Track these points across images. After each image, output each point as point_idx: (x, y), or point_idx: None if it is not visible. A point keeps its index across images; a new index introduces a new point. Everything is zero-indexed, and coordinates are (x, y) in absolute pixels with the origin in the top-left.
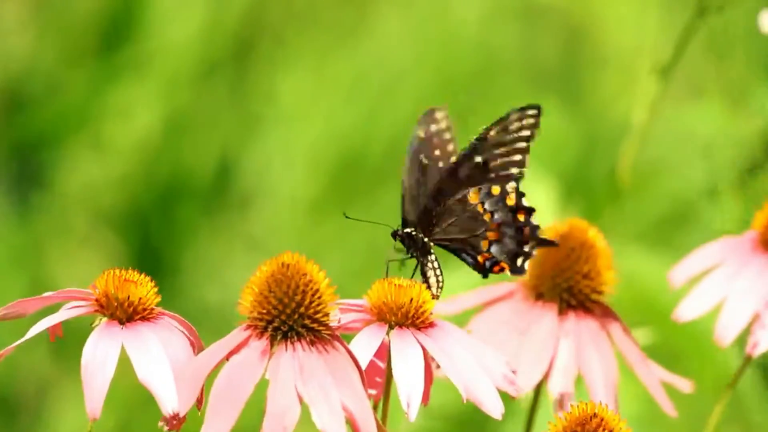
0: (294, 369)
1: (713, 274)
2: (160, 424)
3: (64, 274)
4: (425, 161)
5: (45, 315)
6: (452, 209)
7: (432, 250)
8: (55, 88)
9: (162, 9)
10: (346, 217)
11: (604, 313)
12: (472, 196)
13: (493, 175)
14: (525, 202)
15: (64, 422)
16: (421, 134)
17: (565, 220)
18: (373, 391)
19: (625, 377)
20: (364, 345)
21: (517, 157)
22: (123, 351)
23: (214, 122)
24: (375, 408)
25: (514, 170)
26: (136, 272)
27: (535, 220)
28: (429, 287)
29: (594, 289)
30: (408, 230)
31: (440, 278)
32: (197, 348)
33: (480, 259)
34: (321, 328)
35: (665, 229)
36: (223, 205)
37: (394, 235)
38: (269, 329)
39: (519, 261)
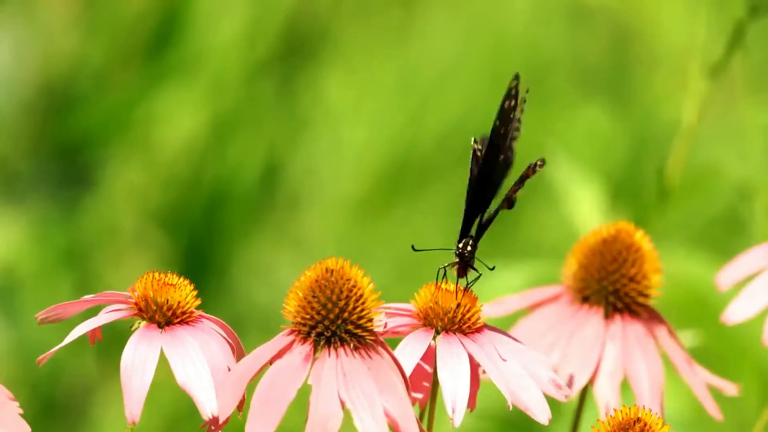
0: (337, 375)
1: (762, 276)
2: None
3: (111, 275)
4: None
5: (87, 317)
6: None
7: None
8: (102, 90)
9: (208, 10)
10: (414, 249)
11: (651, 316)
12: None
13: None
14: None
15: (109, 424)
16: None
17: (612, 223)
18: (420, 396)
19: (670, 380)
20: (410, 350)
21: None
22: (163, 355)
23: (261, 123)
24: (422, 412)
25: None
26: (176, 275)
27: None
28: (468, 282)
29: (640, 292)
30: (469, 248)
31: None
32: (237, 352)
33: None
34: (365, 333)
35: (716, 232)
36: (270, 206)
37: (460, 255)
38: (312, 335)
39: (512, 192)
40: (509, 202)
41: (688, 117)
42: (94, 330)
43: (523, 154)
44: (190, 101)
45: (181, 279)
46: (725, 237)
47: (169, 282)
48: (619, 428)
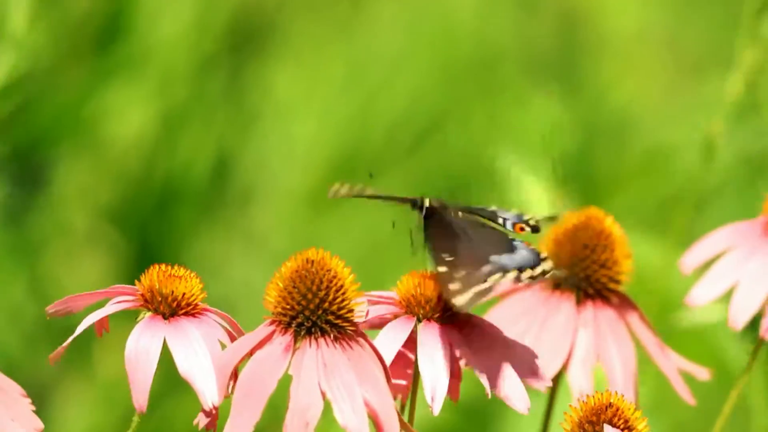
0: (317, 365)
1: (724, 258)
2: (195, 422)
3: (65, 274)
4: None
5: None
6: None
7: None
8: (51, 89)
9: (155, 4)
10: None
11: (622, 302)
12: None
13: None
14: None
15: (67, 424)
16: None
17: (581, 210)
18: (403, 382)
19: (642, 365)
20: (391, 339)
21: None
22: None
23: (211, 118)
24: (404, 401)
25: None
26: (182, 268)
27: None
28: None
29: (611, 278)
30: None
31: None
32: None
33: None
34: (345, 324)
35: (668, 214)
36: (221, 200)
37: (413, 204)
38: (293, 325)
39: None
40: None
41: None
42: (101, 321)
43: (473, 142)
44: (139, 97)
45: (188, 271)
46: (678, 219)
47: (176, 274)
48: (591, 414)
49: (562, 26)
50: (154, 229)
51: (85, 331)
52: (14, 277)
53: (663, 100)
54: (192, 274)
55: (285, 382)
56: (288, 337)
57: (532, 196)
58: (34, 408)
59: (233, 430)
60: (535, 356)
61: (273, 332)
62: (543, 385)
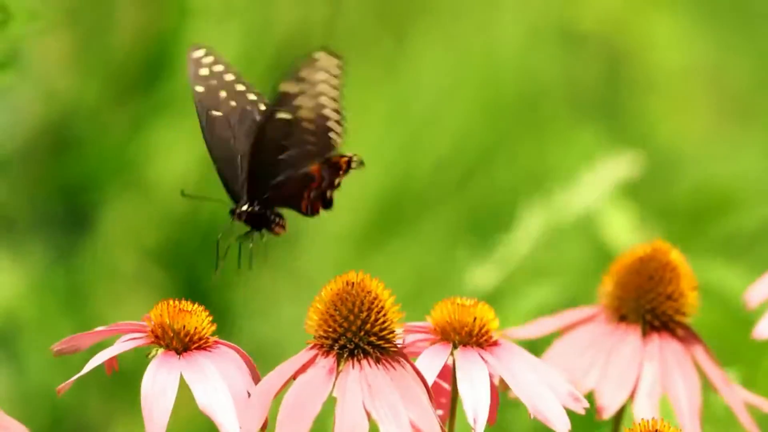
0: (362, 386)
1: None
2: None
3: (112, 316)
4: (217, 113)
5: (100, 350)
6: (292, 178)
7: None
8: (97, 129)
9: (199, 41)
10: (183, 194)
11: (687, 334)
12: (315, 169)
13: (310, 127)
14: (354, 163)
15: None
16: (200, 88)
17: (648, 242)
18: (439, 412)
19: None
20: (429, 364)
21: (330, 111)
22: (182, 381)
23: None
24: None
25: (333, 121)
26: (189, 302)
27: (354, 164)
28: (275, 232)
29: (677, 310)
30: (246, 208)
31: (281, 218)
32: (254, 377)
33: (303, 206)
34: (387, 345)
35: (756, 248)
36: (268, 241)
37: (235, 214)
38: (335, 347)
39: (329, 194)
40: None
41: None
42: (111, 360)
43: (520, 178)
44: (184, 136)
45: (196, 305)
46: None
47: (185, 308)
48: None
49: (607, 63)
50: (202, 269)
51: (131, 371)
52: (63, 321)
53: (710, 137)
54: (200, 308)
55: (329, 404)
56: (331, 360)
57: (614, 227)
58: None
59: None
60: (598, 387)
61: (316, 355)
62: (580, 407)
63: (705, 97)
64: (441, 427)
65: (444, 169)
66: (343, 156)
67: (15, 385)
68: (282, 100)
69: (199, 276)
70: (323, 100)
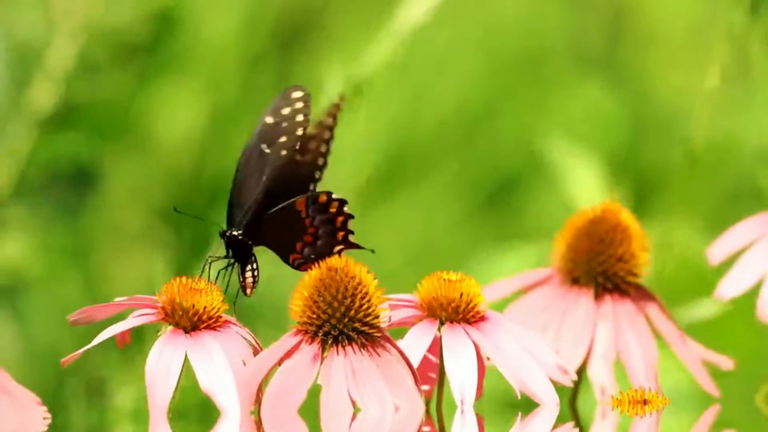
0: (346, 373)
1: (752, 249)
2: None
3: (117, 274)
4: (265, 150)
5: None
6: (280, 215)
7: (253, 251)
8: (101, 88)
9: (203, 3)
10: (176, 211)
11: (641, 294)
12: (300, 202)
13: (305, 163)
14: (346, 209)
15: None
16: (269, 120)
17: (599, 204)
18: (426, 387)
19: (663, 357)
20: (416, 343)
21: (314, 145)
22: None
23: (259, 115)
24: (428, 403)
25: (320, 160)
26: (200, 280)
27: (350, 226)
28: (244, 286)
29: (629, 271)
30: (236, 233)
31: (257, 277)
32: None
33: (291, 258)
34: (371, 330)
35: (733, 207)
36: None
37: (222, 235)
38: (320, 334)
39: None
40: None
41: (710, 83)
42: (122, 333)
43: (520, 134)
44: (188, 95)
45: (209, 285)
46: (743, 212)
47: (196, 287)
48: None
49: (610, 17)
50: (205, 226)
51: (139, 332)
52: (68, 277)
53: (712, 94)
54: (213, 287)
55: (315, 391)
56: (315, 346)
57: (584, 187)
58: (48, 416)
59: None
60: (557, 351)
61: (300, 342)
62: (568, 378)
63: (708, 53)
64: (427, 411)
65: (447, 124)
66: (329, 196)
67: (20, 344)
68: (265, 136)
69: (204, 234)
70: (321, 147)
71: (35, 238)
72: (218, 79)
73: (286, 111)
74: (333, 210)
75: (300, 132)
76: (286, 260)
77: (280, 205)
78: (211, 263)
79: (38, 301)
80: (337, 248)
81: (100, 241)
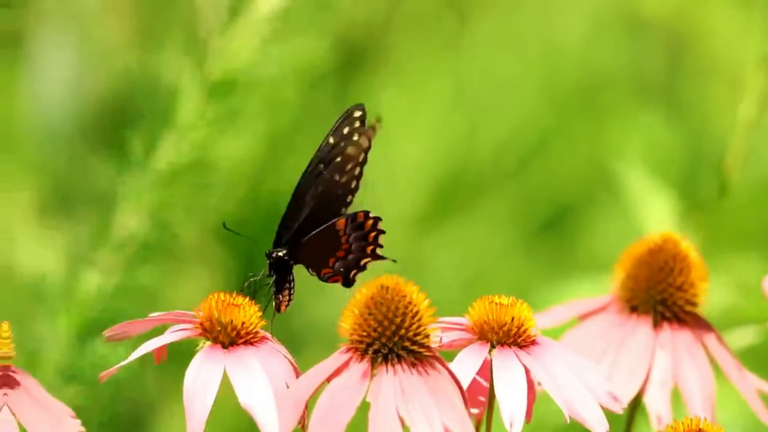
0: (395, 391)
1: None
2: None
3: (172, 292)
4: (322, 170)
5: (152, 336)
6: (320, 235)
7: (292, 270)
8: (158, 105)
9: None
10: (225, 228)
11: (698, 323)
12: (341, 222)
13: (342, 184)
14: (380, 226)
15: None
16: (331, 140)
17: (659, 233)
18: (475, 410)
19: (720, 388)
20: (466, 365)
21: (351, 166)
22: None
23: (317, 137)
24: (478, 428)
25: (355, 176)
26: (240, 296)
27: (381, 240)
28: (279, 304)
29: (688, 300)
30: (281, 254)
31: (292, 295)
32: (298, 374)
33: (322, 272)
34: (421, 349)
35: None
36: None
37: (268, 255)
38: (369, 352)
39: (352, 274)
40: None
41: (746, 114)
42: (159, 349)
43: (579, 164)
44: (246, 116)
45: (246, 300)
46: None
47: (234, 302)
48: None
49: (669, 50)
50: (260, 248)
51: (187, 351)
52: (120, 293)
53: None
54: (250, 303)
55: (363, 409)
56: (365, 364)
57: (654, 216)
58: (83, 430)
59: None
60: (608, 378)
61: (349, 359)
62: (618, 407)
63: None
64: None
65: (504, 152)
66: (367, 214)
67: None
68: (323, 157)
69: (258, 255)
70: (349, 157)
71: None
72: (276, 100)
73: (345, 130)
74: (368, 227)
75: (352, 152)
76: (318, 275)
77: (322, 227)
78: (251, 281)
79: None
80: (364, 261)
81: (155, 258)
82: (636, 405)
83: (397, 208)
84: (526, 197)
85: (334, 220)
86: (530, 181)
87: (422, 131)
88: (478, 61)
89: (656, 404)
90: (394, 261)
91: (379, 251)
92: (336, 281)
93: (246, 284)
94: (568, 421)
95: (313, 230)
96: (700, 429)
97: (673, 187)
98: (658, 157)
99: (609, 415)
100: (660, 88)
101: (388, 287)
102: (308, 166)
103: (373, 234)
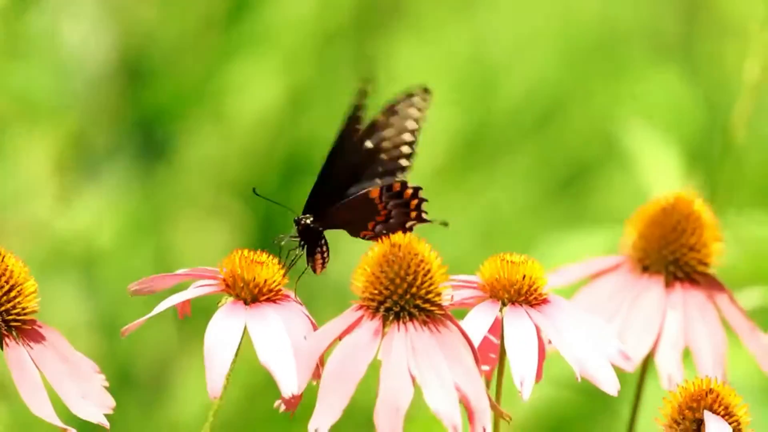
0: (406, 349)
1: None
2: (276, 405)
3: (188, 247)
4: (369, 145)
5: (176, 291)
6: (353, 203)
7: (324, 235)
8: (177, 63)
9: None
10: (255, 193)
11: (711, 284)
12: (374, 191)
13: (384, 156)
14: (421, 194)
15: (188, 396)
16: (380, 117)
17: (672, 193)
18: (486, 368)
19: (733, 348)
20: (477, 323)
21: (406, 144)
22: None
23: (335, 93)
24: (488, 384)
25: (404, 153)
26: (263, 253)
27: (424, 207)
28: (314, 267)
29: (700, 260)
30: (308, 221)
31: (327, 257)
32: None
33: (361, 234)
34: (433, 308)
35: None
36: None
37: (296, 222)
38: (381, 309)
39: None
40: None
41: (751, 73)
42: (183, 304)
43: (594, 120)
44: (265, 72)
45: (268, 256)
46: None
47: (258, 260)
48: (691, 400)
49: (685, 8)
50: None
51: (206, 306)
52: (140, 250)
53: None
54: (273, 260)
55: (374, 366)
56: (376, 322)
57: (660, 173)
58: (107, 384)
59: (322, 414)
60: (620, 337)
61: (361, 317)
62: (630, 365)
63: None
64: (487, 391)
65: (521, 111)
66: (405, 185)
67: (93, 312)
68: (370, 130)
69: (277, 210)
70: (406, 135)
71: (107, 208)
72: (294, 56)
73: (397, 107)
74: (407, 196)
75: (414, 126)
76: (355, 236)
77: (354, 196)
78: (281, 242)
79: (110, 271)
80: (410, 223)
81: (172, 212)
82: (646, 365)
83: (415, 165)
84: (543, 154)
85: (367, 190)
86: (548, 138)
87: (440, 88)
88: (496, 18)
89: (667, 364)
90: (446, 224)
91: (425, 216)
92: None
93: (276, 243)
94: (579, 380)
95: (343, 199)
96: (710, 389)
97: (687, 145)
98: (673, 115)
99: (619, 374)
100: (677, 46)
101: (400, 245)
102: (342, 134)
103: (414, 202)
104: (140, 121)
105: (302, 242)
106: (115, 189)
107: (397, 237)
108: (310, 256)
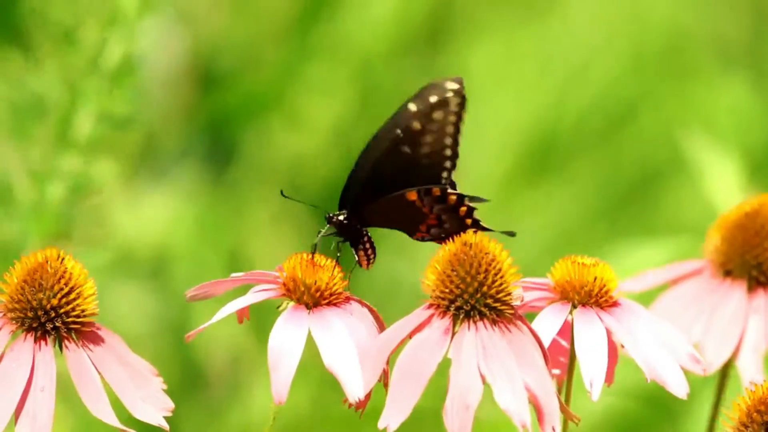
0: (476, 348)
1: None
2: (344, 402)
3: (258, 250)
4: (399, 133)
5: (236, 296)
6: (388, 203)
7: (365, 231)
8: (250, 65)
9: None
10: (283, 195)
11: None
12: (410, 194)
13: (427, 150)
14: (467, 201)
15: (258, 398)
16: (413, 107)
17: (755, 197)
18: (556, 371)
19: None
20: (547, 324)
21: (447, 139)
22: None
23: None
24: (558, 388)
25: (446, 156)
26: (324, 257)
27: (476, 214)
28: (360, 262)
29: None
30: (341, 218)
31: (371, 253)
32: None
33: (416, 236)
34: (503, 307)
35: None
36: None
37: (328, 219)
38: (452, 308)
39: None
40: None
41: None
42: (242, 309)
43: (662, 128)
44: (338, 78)
45: (329, 261)
46: None
47: (318, 263)
48: (759, 403)
49: (754, 16)
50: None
51: (273, 305)
52: (210, 252)
53: None
54: (333, 264)
55: (444, 365)
56: (447, 321)
57: (722, 184)
58: (165, 387)
59: (392, 411)
60: (701, 341)
61: (431, 316)
62: (700, 368)
63: None
64: (556, 391)
65: (591, 117)
66: (445, 190)
67: (164, 315)
68: (409, 135)
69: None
70: (447, 140)
71: (176, 210)
72: (369, 64)
73: (432, 99)
74: (451, 202)
75: (454, 119)
76: (411, 237)
77: (386, 197)
78: (320, 239)
79: (180, 274)
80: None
81: (242, 217)
82: (727, 370)
83: (485, 171)
84: (612, 161)
85: (402, 192)
86: (616, 146)
87: (510, 96)
88: (566, 26)
89: (748, 368)
90: (512, 234)
91: (483, 224)
92: (427, 240)
93: (316, 242)
94: (649, 381)
95: (378, 196)
96: None
97: (751, 154)
98: (739, 123)
99: (700, 379)
100: (745, 53)
101: (471, 244)
102: (380, 132)
103: (464, 209)
104: (210, 124)
105: (343, 239)
106: (186, 192)
107: (468, 236)
108: (356, 252)
